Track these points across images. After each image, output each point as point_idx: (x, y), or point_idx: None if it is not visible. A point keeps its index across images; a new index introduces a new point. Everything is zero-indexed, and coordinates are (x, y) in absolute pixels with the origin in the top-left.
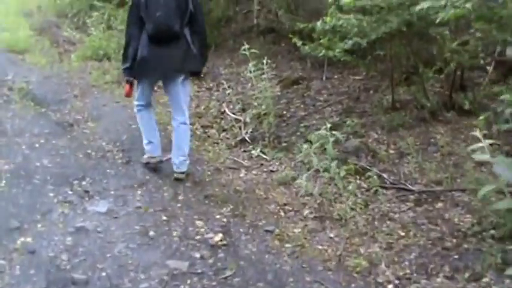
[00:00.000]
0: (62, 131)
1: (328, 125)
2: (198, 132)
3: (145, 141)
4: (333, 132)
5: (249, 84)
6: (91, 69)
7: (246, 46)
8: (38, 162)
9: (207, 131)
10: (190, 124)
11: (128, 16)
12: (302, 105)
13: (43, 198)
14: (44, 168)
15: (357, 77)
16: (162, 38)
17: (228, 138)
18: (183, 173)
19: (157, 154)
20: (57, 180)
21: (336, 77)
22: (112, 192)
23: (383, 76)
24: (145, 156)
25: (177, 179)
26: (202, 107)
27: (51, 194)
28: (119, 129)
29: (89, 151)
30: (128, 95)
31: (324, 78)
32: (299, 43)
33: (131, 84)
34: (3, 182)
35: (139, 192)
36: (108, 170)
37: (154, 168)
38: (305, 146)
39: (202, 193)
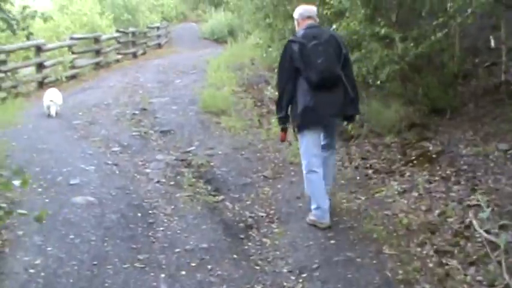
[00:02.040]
0: (229, 244)
1: None
2: (430, 264)
3: (313, 206)
4: None
5: (506, 176)
6: (293, 138)
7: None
8: None
9: (444, 260)
10: None
11: (280, 68)
12: None
13: None
14: None
15: None
16: (325, 84)
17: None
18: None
19: (325, 221)
20: None
21: None
22: None
23: None
24: (311, 218)
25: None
26: (436, 212)
27: None
28: (312, 249)
29: None
30: (283, 139)
31: None
32: None
33: (286, 131)
34: None
35: None
36: None
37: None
38: None
39: None
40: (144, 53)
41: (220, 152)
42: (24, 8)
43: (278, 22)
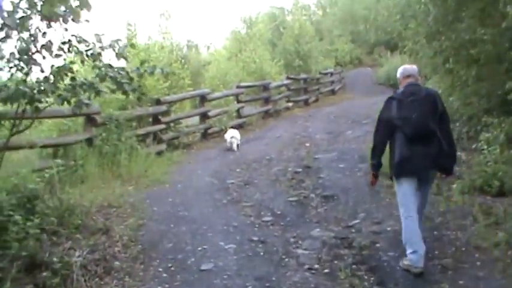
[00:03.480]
0: None
1: None
2: None
3: (409, 251)
4: None
5: None
6: (477, 211)
7: None
8: None
9: None
10: None
11: (378, 120)
12: None
13: None
14: None
15: None
16: (420, 137)
17: None
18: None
19: (420, 265)
20: None
21: None
22: None
23: None
24: (405, 263)
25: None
26: None
27: None
28: None
29: None
30: (373, 183)
31: None
32: None
33: (377, 177)
34: None
35: None
36: None
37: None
38: None
39: None
40: (316, 100)
41: (389, 229)
42: (142, 63)
43: (459, 67)
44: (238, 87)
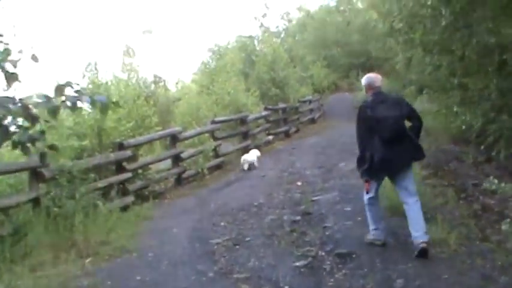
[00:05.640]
0: None
1: None
2: None
3: (373, 227)
4: None
5: None
6: None
7: None
8: None
9: None
10: None
11: (357, 127)
12: None
13: None
14: None
15: None
16: (395, 138)
17: None
18: (426, 242)
19: (382, 238)
20: None
21: None
22: None
23: None
24: (369, 237)
25: (422, 251)
26: None
27: None
28: None
29: None
30: (368, 191)
31: None
32: None
33: (369, 182)
34: None
35: None
36: None
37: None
38: None
39: None
40: (297, 131)
41: None
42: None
43: (476, 79)
44: (213, 122)
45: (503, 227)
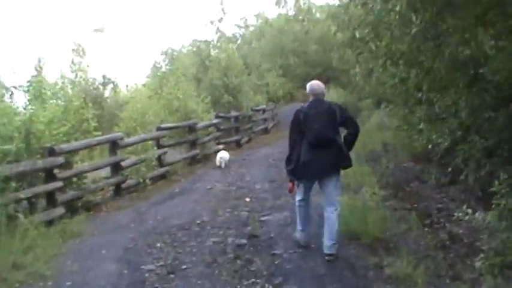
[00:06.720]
0: None
1: None
2: None
3: (299, 228)
4: None
5: None
6: None
7: None
8: None
9: None
10: None
11: (290, 129)
12: None
13: None
14: None
15: None
16: (320, 144)
17: None
18: (331, 255)
19: (306, 240)
20: None
21: None
22: None
23: None
24: (297, 235)
25: (328, 260)
26: None
27: None
28: None
29: None
30: (291, 191)
31: None
32: None
33: (293, 183)
34: None
35: None
36: None
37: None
38: None
39: None
40: (249, 140)
41: None
42: None
43: (447, 94)
44: (159, 129)
45: (477, 263)
